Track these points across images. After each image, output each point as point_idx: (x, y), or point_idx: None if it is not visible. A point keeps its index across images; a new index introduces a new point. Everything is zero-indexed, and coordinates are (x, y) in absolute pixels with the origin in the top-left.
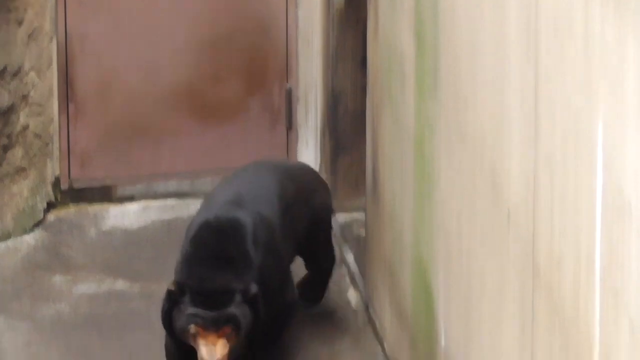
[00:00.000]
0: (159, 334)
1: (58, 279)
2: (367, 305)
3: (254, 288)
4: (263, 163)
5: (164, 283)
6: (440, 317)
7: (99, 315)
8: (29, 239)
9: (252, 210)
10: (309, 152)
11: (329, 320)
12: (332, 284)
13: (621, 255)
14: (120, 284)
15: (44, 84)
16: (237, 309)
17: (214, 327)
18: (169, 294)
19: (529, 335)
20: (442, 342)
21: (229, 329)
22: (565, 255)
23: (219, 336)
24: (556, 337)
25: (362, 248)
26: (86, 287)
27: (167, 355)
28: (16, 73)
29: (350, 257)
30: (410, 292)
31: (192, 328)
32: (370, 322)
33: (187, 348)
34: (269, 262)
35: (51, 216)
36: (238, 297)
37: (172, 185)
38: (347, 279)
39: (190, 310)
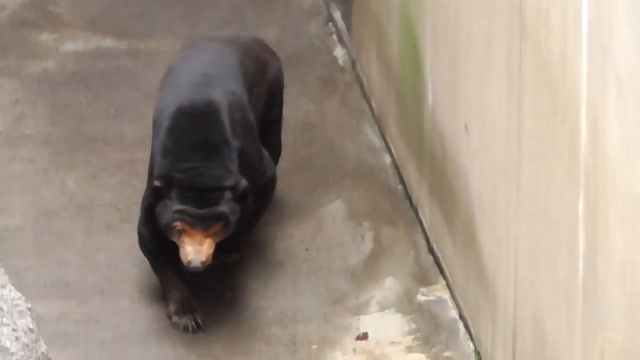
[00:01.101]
0: (145, 91)
1: (45, 37)
2: (354, 62)
3: (243, 183)
4: (216, 38)
5: (151, 41)
6: (428, 73)
7: (85, 73)
8: None
9: (224, 90)
10: None
11: (316, 78)
12: (319, 42)
13: (608, 10)
14: (107, 42)
15: None
16: (226, 207)
17: (202, 225)
18: (155, 190)
19: (516, 92)
20: (430, 98)
21: (217, 227)
22: (552, 10)
23: (206, 235)
24: (543, 94)
25: (349, 4)
26: (73, 44)
27: (145, 252)
28: None
29: (337, 15)
30: (398, 48)
31: (179, 225)
32: (358, 79)
33: (171, 246)
34: (247, 143)
35: None
36: (228, 195)
37: None
38: (334, 37)
39: (177, 206)
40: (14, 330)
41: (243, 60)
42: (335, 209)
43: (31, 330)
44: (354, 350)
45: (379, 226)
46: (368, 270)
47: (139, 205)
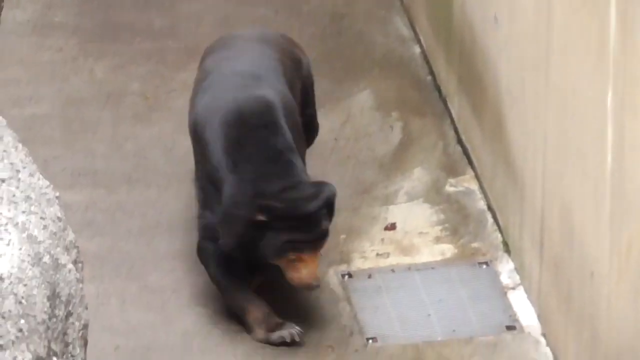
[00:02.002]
0: None
1: None
2: None
3: (333, 191)
4: (247, 37)
5: None
6: None
7: None
8: None
9: (275, 91)
10: None
11: None
12: None
13: None
14: None
15: None
16: (327, 221)
17: (314, 249)
18: (256, 224)
19: None
20: None
21: (324, 244)
22: None
23: (316, 255)
24: None
25: None
26: None
27: (215, 273)
28: None
29: None
30: None
31: (293, 255)
32: None
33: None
34: (298, 144)
35: None
36: (324, 210)
37: None
38: None
39: (286, 237)
40: (42, 218)
41: (281, 59)
42: (364, 99)
43: (59, 219)
44: (382, 240)
45: (407, 117)
46: (396, 161)
47: (168, 95)
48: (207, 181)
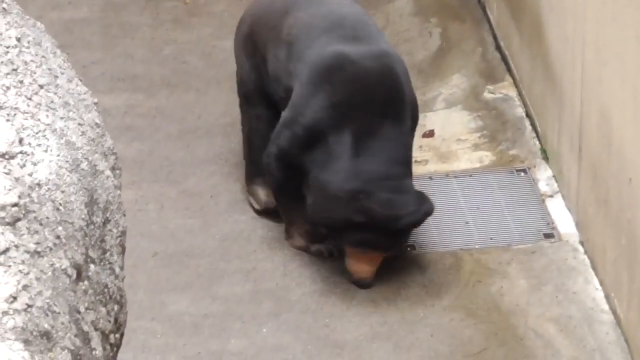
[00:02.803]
0: None
1: None
2: None
3: (429, 210)
4: None
5: None
6: None
7: None
8: None
9: (396, 56)
10: None
11: None
12: None
13: None
14: None
15: None
16: (410, 235)
17: (385, 252)
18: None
19: None
20: None
21: (398, 249)
22: None
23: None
24: None
25: None
26: None
27: (273, 186)
28: None
29: None
30: None
31: (366, 250)
32: None
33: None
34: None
35: None
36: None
37: None
38: None
39: (370, 236)
40: (80, 124)
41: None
42: (402, 5)
43: (97, 125)
44: (420, 147)
45: (446, 22)
46: (435, 67)
47: None
48: (302, 123)
